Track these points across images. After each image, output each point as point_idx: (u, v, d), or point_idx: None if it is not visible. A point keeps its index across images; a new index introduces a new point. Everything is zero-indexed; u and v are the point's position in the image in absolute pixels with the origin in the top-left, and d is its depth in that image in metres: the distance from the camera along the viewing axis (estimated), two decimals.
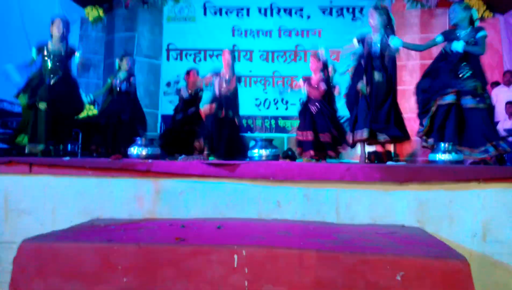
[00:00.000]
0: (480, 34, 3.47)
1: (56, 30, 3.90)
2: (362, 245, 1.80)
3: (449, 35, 3.62)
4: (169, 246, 1.73)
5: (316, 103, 4.56)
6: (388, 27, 3.85)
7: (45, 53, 3.89)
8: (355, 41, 3.85)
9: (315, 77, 4.77)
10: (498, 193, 2.17)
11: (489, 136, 3.25)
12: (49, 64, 3.86)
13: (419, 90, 3.86)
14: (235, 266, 1.66)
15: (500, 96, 6.89)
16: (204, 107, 4.78)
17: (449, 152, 2.82)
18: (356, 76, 3.86)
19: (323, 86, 4.60)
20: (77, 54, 4.03)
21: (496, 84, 7.17)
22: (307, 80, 4.90)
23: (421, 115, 3.76)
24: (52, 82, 3.79)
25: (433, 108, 3.51)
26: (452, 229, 2.18)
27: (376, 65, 3.78)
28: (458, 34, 3.56)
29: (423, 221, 2.21)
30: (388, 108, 3.66)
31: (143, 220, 2.28)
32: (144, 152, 2.77)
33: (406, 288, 1.60)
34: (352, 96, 3.82)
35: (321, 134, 4.38)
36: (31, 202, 2.35)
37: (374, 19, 3.81)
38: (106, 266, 1.70)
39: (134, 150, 2.80)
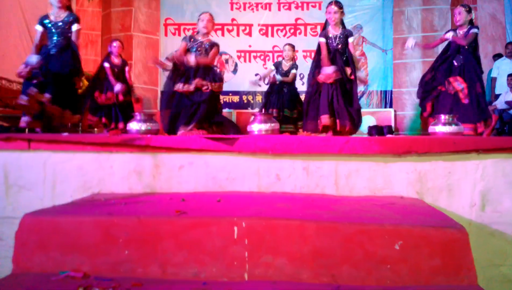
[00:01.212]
0: (472, 30, 3.95)
1: None
2: (360, 216, 1.81)
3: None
4: (169, 219, 1.74)
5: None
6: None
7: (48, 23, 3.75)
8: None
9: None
10: (497, 164, 2.18)
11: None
12: (53, 36, 3.75)
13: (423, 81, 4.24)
14: (235, 237, 1.68)
15: (502, 68, 6.82)
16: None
17: (449, 123, 2.81)
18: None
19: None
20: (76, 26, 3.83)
21: (498, 55, 7.09)
22: None
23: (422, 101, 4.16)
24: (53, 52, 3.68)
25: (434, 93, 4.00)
26: (451, 199, 2.20)
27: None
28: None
29: (422, 192, 2.22)
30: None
31: (143, 194, 2.30)
32: (143, 127, 2.76)
33: (405, 257, 1.61)
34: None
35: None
36: (30, 178, 2.35)
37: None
38: (107, 239, 1.71)
39: (133, 126, 2.79)
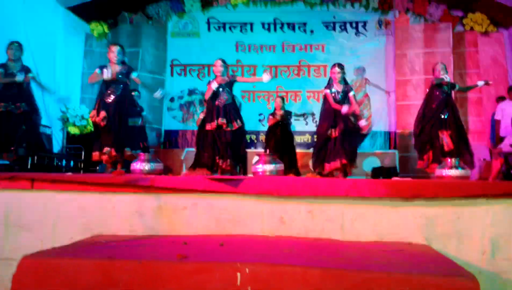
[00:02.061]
0: None
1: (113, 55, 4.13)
2: (367, 263, 1.76)
3: None
4: (171, 263, 1.69)
5: None
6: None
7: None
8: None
9: None
10: (507, 209, 2.13)
11: None
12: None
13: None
14: (238, 284, 1.63)
15: (506, 110, 6.84)
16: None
17: (456, 167, 2.79)
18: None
19: None
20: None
21: (501, 98, 7.13)
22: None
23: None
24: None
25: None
26: (460, 246, 2.14)
27: None
28: None
29: (431, 238, 2.16)
30: None
31: (145, 236, 2.25)
32: (147, 167, 2.75)
33: None
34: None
35: None
36: (32, 218, 2.32)
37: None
38: (107, 282, 1.66)
39: (137, 165, 2.78)
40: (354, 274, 1.62)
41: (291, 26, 8.06)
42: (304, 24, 8.09)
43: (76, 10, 7.47)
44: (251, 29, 8.16)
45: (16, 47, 4.42)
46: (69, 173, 2.58)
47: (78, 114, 6.54)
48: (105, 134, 3.78)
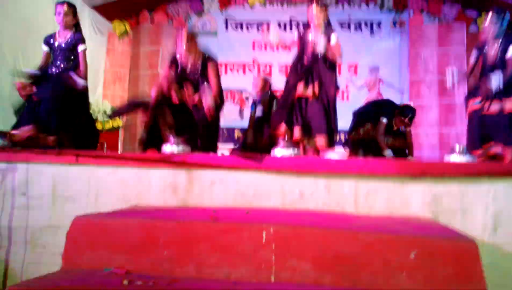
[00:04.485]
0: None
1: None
2: (378, 229, 1.97)
3: None
4: (205, 223, 1.93)
5: None
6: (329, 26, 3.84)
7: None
8: None
9: None
10: (508, 188, 2.32)
11: None
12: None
13: None
14: (264, 242, 1.85)
15: None
16: None
17: (463, 153, 2.97)
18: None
19: None
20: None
21: None
22: None
23: None
24: None
25: None
26: (464, 221, 2.33)
27: None
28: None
29: (437, 213, 2.37)
30: None
31: (178, 207, 2.50)
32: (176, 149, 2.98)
33: (419, 266, 1.75)
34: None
35: None
36: (76, 190, 2.59)
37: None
38: (149, 240, 1.90)
39: (167, 148, 3.02)
40: (367, 235, 1.83)
41: (307, 25, 8.25)
42: None
43: (100, 9, 7.79)
44: (268, 28, 8.36)
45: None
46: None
47: (100, 109, 6.85)
48: None
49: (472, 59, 3.74)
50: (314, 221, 2.10)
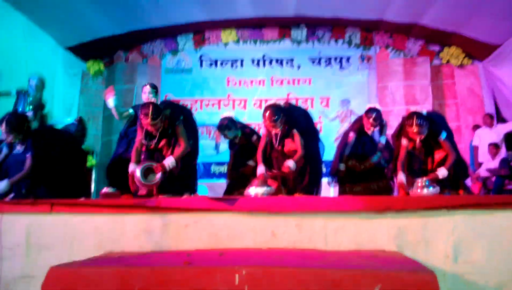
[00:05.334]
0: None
1: None
2: (346, 265, 2.08)
3: None
4: (179, 268, 1.99)
5: None
6: None
7: None
8: None
9: None
10: (466, 219, 2.48)
11: None
12: None
13: None
14: (236, 283, 1.92)
15: (483, 137, 7.29)
16: None
17: (427, 187, 3.13)
18: None
19: None
20: None
21: (477, 127, 7.57)
22: None
23: None
24: None
25: None
26: (427, 252, 2.46)
27: None
28: None
29: (402, 246, 2.49)
30: None
31: (152, 252, 2.54)
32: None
33: None
34: None
35: None
36: (51, 238, 2.60)
37: None
38: (125, 286, 1.94)
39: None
40: (335, 271, 1.93)
41: (279, 62, 8.52)
42: (292, 60, 8.59)
43: (74, 49, 7.89)
44: (241, 65, 8.62)
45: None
46: (83, 198, 2.88)
47: None
48: None
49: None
50: (285, 260, 2.19)
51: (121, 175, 3.35)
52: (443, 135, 3.49)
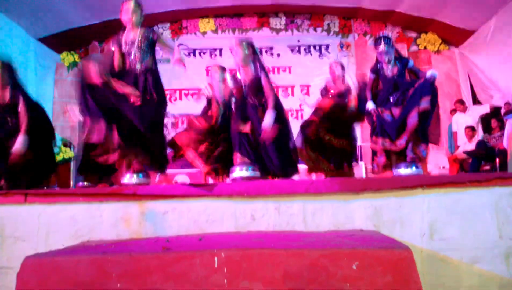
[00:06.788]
0: None
1: None
2: (324, 244, 2.10)
3: None
4: (157, 254, 1.97)
5: None
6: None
7: None
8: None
9: None
10: (440, 197, 2.53)
11: None
12: None
13: None
14: (215, 267, 1.92)
15: (459, 121, 7.48)
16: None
17: (410, 167, 3.21)
18: None
19: None
20: None
21: (454, 111, 7.77)
22: None
23: None
24: None
25: None
26: (404, 230, 2.51)
27: None
28: None
29: (379, 225, 2.53)
30: None
31: (130, 239, 2.52)
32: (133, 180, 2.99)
33: (361, 275, 1.87)
34: None
35: None
36: (26, 229, 2.55)
37: None
38: (102, 274, 1.91)
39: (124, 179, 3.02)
40: (312, 251, 1.94)
41: (259, 50, 8.49)
42: (271, 48, 8.61)
43: (47, 40, 7.70)
44: (220, 54, 8.58)
45: None
46: (57, 188, 2.83)
47: None
48: None
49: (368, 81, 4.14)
50: (264, 242, 2.19)
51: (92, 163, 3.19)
52: (411, 63, 3.98)
